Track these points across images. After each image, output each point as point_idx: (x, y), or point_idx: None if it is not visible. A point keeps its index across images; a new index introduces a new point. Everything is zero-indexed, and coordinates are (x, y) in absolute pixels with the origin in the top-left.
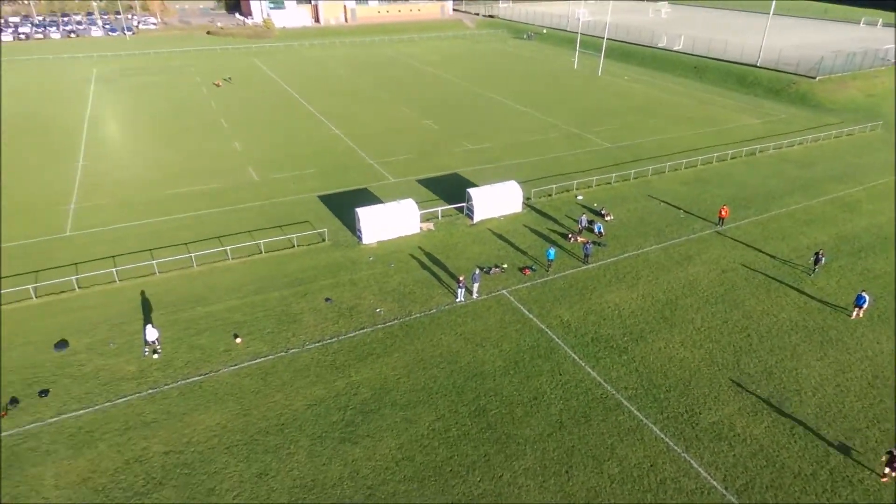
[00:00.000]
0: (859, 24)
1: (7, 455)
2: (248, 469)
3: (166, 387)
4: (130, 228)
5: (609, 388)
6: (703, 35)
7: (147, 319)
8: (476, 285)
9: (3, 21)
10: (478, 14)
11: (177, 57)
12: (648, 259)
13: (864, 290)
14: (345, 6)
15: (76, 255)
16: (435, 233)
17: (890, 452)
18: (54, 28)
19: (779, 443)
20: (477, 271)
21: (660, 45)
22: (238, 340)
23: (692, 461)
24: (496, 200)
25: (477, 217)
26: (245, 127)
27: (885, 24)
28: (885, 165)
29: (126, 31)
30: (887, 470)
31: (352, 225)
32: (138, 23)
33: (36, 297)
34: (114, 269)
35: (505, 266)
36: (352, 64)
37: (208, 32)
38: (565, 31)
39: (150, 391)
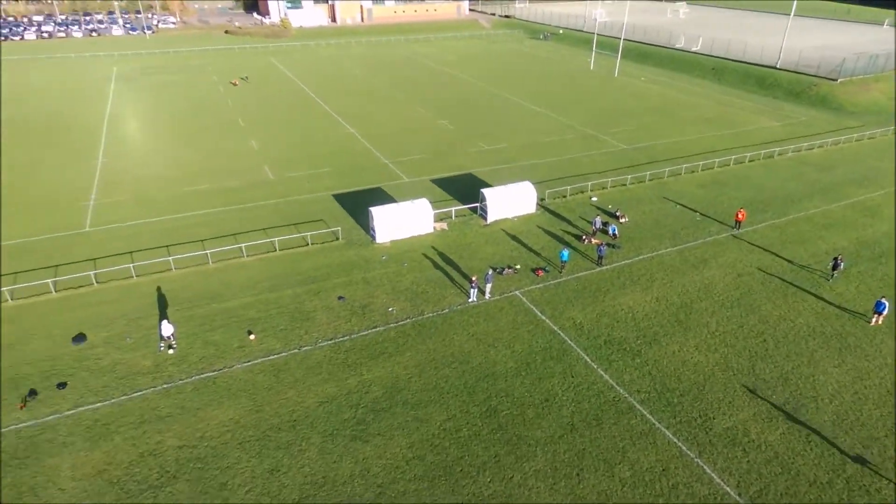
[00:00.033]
0: (882, 25)
1: (26, 446)
2: (259, 465)
3: (181, 382)
4: (148, 225)
5: (621, 390)
6: (721, 36)
7: (163, 315)
8: (489, 286)
9: (26, 20)
10: (494, 14)
11: (195, 56)
12: (663, 262)
13: (884, 297)
14: (361, 6)
15: (95, 250)
16: (448, 233)
17: None
18: (76, 27)
19: (794, 450)
20: (490, 272)
21: (678, 45)
22: (252, 337)
23: (705, 466)
24: (510, 201)
25: (490, 217)
26: (262, 126)
27: None
28: None
29: (146, 30)
30: None
31: (365, 224)
32: (158, 22)
33: (55, 292)
34: (131, 265)
35: (518, 267)
36: (367, 64)
37: (226, 32)
38: (582, 31)
39: (165, 386)
